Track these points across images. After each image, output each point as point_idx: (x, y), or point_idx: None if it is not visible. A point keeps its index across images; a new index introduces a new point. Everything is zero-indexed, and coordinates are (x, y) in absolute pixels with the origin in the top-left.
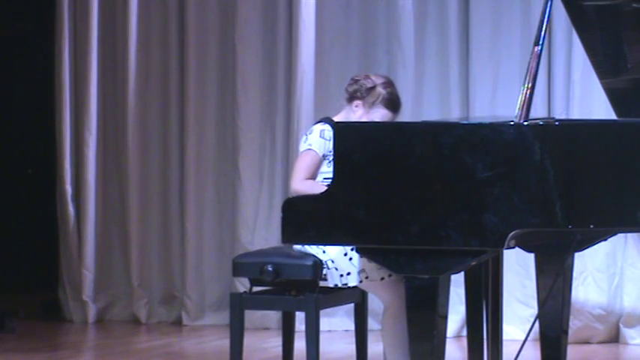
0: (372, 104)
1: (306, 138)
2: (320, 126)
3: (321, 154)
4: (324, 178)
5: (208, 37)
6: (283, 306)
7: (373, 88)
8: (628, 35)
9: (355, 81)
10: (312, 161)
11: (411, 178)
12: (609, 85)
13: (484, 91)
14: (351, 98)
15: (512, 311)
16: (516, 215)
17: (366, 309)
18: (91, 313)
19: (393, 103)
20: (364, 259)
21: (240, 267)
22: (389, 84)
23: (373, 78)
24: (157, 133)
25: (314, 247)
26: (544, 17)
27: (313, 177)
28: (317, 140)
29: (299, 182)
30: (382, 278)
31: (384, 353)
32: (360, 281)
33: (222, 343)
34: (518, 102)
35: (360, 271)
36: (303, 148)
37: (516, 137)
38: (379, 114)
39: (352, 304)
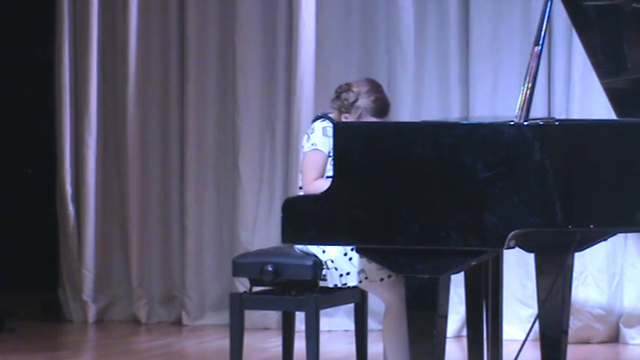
0: (360, 116)
1: (309, 137)
2: (321, 123)
3: (326, 152)
4: (327, 177)
5: (208, 37)
6: (283, 306)
7: (356, 101)
8: (628, 35)
9: (337, 95)
10: (320, 160)
11: (411, 178)
12: (609, 85)
13: (484, 91)
14: (339, 111)
15: (512, 311)
16: (516, 215)
17: (366, 309)
18: (91, 313)
19: (379, 109)
20: (364, 260)
21: (240, 267)
22: (373, 89)
23: (355, 89)
24: (157, 134)
25: (314, 246)
26: (544, 17)
27: (322, 176)
28: (321, 138)
29: (311, 184)
30: (381, 279)
31: (384, 353)
32: (360, 281)
33: (222, 343)
34: (518, 102)
35: (360, 272)
36: (308, 148)
37: (516, 137)
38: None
39: (352, 304)
